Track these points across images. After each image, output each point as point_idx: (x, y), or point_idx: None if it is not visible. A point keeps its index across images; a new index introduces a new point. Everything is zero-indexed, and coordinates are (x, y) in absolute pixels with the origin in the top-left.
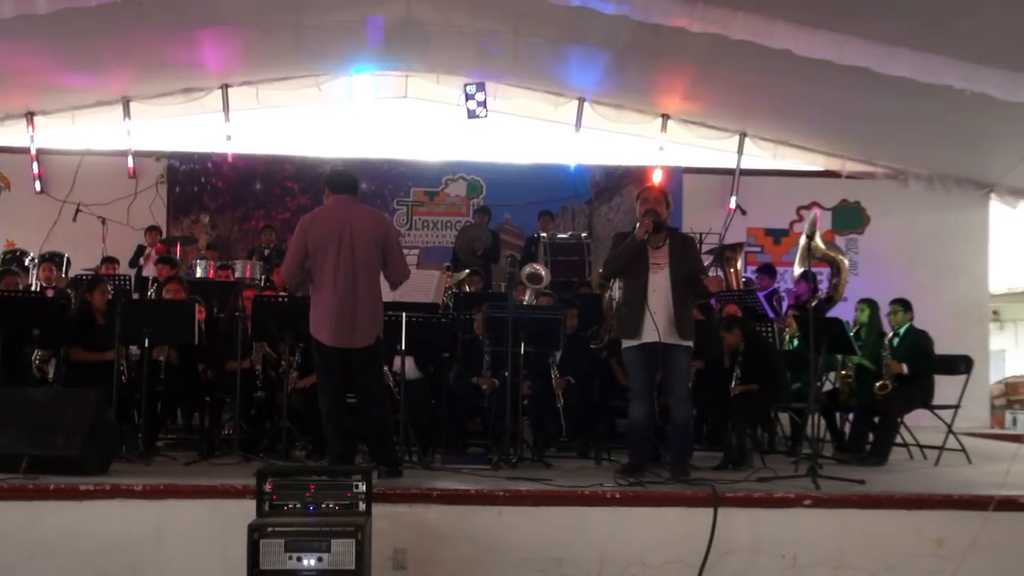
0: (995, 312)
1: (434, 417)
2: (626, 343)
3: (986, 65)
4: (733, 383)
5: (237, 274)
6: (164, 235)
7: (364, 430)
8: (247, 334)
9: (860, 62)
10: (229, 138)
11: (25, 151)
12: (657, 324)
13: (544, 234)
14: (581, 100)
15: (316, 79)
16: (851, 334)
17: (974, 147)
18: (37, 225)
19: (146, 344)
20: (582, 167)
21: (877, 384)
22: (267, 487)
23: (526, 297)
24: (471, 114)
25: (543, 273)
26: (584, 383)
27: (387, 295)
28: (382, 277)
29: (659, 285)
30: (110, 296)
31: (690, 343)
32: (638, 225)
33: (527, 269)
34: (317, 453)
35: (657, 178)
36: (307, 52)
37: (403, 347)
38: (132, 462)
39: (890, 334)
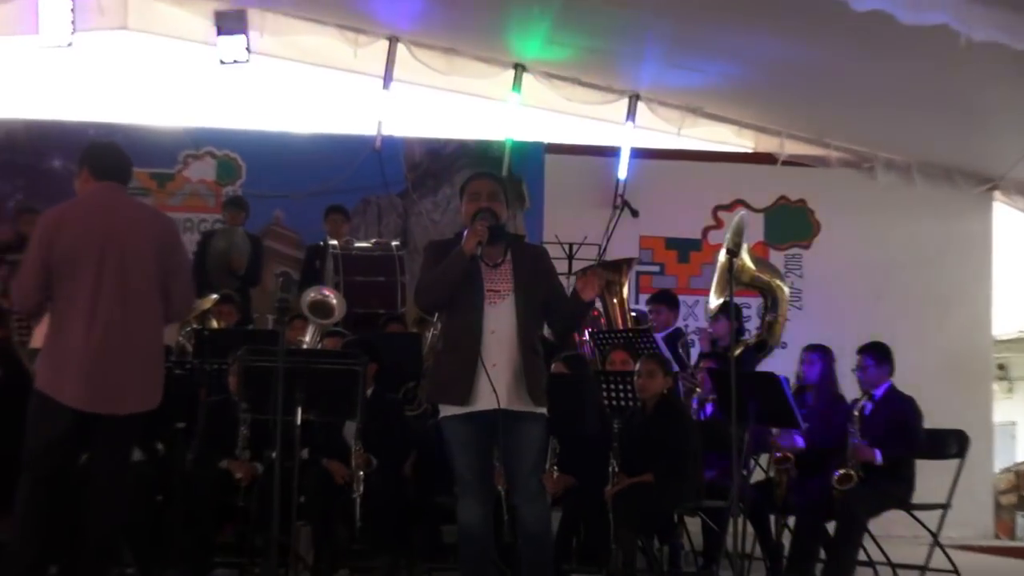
0: (1000, 367)
1: (161, 521)
2: (447, 410)
3: (991, 3)
4: (612, 469)
5: None
6: None
7: (85, 540)
8: None
9: None
10: None
11: None
12: (496, 383)
13: (335, 241)
14: (393, 40)
15: None
16: (792, 397)
17: (971, 123)
18: None
19: None
20: (394, 141)
21: (836, 475)
22: None
23: (307, 337)
24: (225, 59)
25: (333, 301)
26: (394, 468)
27: None
28: None
29: (500, 322)
30: None
31: (543, 409)
32: (466, 233)
33: (309, 295)
34: None
35: (503, 162)
36: None
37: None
38: None
39: (859, 398)
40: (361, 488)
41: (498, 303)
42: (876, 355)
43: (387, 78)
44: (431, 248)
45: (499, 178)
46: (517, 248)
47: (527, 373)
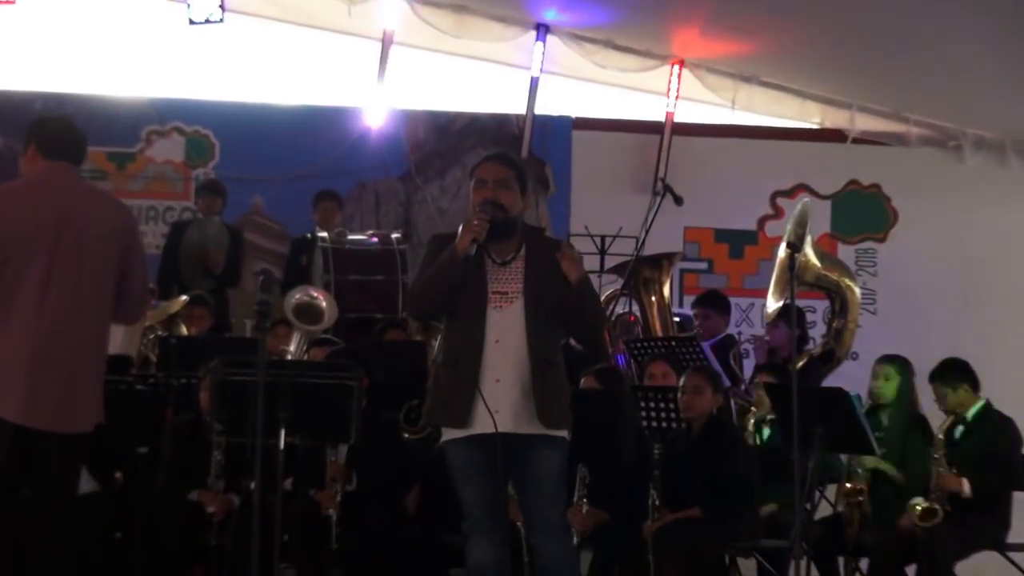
0: None
1: (120, 562)
2: (448, 433)
3: None
4: (652, 502)
5: None
6: None
7: None
8: None
9: None
10: None
11: None
12: (500, 401)
13: (325, 233)
14: None
15: None
16: (865, 417)
17: None
18: None
19: None
20: (394, 115)
21: (919, 508)
22: None
23: (292, 346)
24: (196, 19)
25: (322, 304)
26: (392, 502)
27: None
28: None
29: (506, 330)
30: None
31: (563, 432)
32: (460, 229)
33: (295, 297)
34: None
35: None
36: None
37: None
38: None
39: (945, 421)
40: (338, 497)
41: (504, 308)
42: (948, 378)
43: (386, 43)
44: (433, 243)
45: (512, 160)
46: (533, 242)
47: (538, 390)
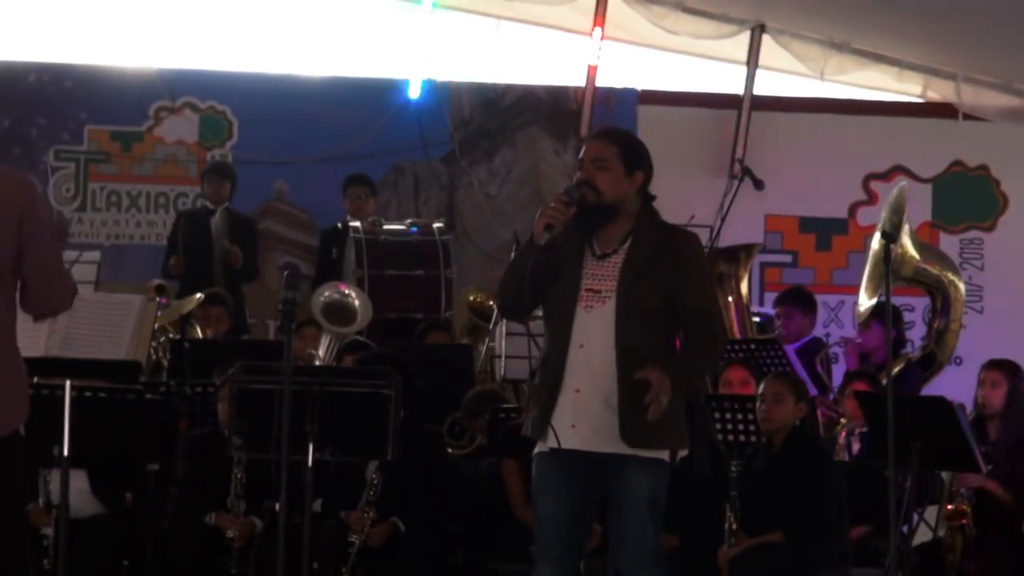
0: None
1: None
2: (538, 446)
3: None
4: (728, 526)
5: None
6: None
7: None
8: None
9: None
10: None
11: None
12: (581, 415)
13: (357, 223)
14: None
15: None
16: (969, 429)
17: None
18: None
19: None
20: (433, 86)
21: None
22: None
23: (321, 350)
24: None
25: (356, 303)
26: (434, 525)
27: (33, 342)
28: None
29: (594, 335)
30: None
31: (660, 453)
32: (539, 214)
33: (325, 294)
34: None
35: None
36: None
37: (65, 451)
38: None
39: None
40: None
41: (595, 308)
42: None
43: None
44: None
45: (619, 137)
46: (642, 232)
47: (624, 404)
